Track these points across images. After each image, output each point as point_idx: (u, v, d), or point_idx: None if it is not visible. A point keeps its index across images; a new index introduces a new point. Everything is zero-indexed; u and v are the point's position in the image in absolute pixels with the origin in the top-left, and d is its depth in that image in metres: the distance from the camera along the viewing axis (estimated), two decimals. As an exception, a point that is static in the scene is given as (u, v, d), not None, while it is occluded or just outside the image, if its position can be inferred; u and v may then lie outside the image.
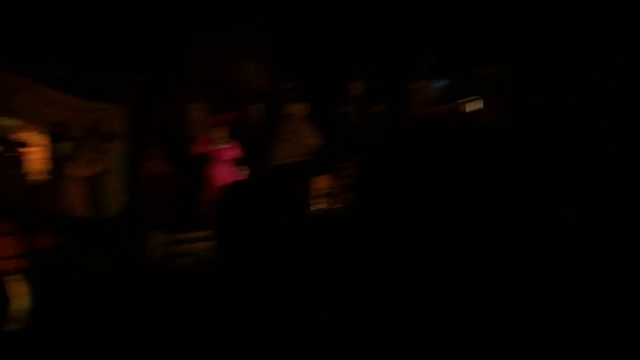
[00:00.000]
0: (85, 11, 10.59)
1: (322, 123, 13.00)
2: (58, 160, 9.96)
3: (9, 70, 9.39)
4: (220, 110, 12.15)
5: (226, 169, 10.56)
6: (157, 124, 12.33)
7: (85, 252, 7.07)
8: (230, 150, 10.61)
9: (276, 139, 12.68)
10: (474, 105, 12.80)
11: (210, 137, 10.56)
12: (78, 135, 10.55)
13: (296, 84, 12.99)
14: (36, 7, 9.96)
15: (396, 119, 13.30)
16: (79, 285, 4.92)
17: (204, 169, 10.92)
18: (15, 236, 7.28)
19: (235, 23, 13.89)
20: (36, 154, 11.10)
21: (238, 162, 10.68)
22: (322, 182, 10.38)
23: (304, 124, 12.69)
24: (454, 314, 2.01)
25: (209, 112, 12.70)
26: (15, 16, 9.63)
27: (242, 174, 10.52)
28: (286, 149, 12.48)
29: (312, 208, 9.75)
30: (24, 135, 11.00)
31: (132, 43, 11.34)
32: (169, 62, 12.36)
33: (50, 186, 9.85)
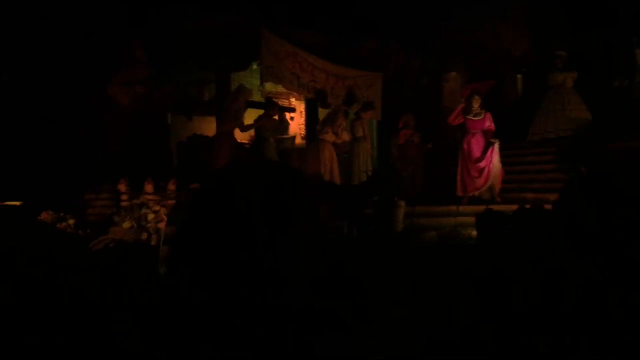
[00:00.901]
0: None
1: (594, 95, 11.49)
2: (314, 126, 10.27)
3: (275, 38, 9.87)
4: (478, 79, 11.40)
5: (480, 140, 9.84)
6: (412, 93, 12.10)
7: (334, 216, 7.08)
8: (484, 122, 9.84)
9: (540, 111, 11.56)
10: None
11: (464, 107, 9.91)
12: (335, 102, 10.79)
13: (565, 51, 11.57)
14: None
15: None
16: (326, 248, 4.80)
17: (458, 140, 10.38)
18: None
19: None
20: (295, 118, 11.73)
21: (492, 134, 9.87)
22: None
23: (572, 96, 11.34)
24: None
25: (465, 81, 12.05)
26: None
27: (495, 146, 9.72)
28: (552, 122, 11.29)
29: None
30: (285, 101, 11.70)
31: (386, 9, 11.16)
32: (425, 28, 11.95)
33: (305, 150, 10.24)
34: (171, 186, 7.65)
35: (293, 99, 12.15)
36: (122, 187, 7.06)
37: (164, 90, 9.31)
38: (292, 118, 12.13)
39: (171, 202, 7.52)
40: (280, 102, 11.45)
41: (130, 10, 8.51)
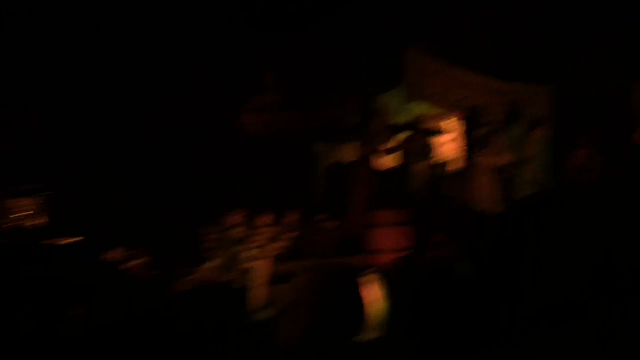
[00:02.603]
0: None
1: None
2: (471, 148, 9.07)
3: (422, 54, 8.89)
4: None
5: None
6: (589, 107, 10.26)
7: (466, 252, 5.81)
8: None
9: None
10: None
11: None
12: (495, 120, 9.45)
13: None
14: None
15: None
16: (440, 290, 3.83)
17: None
18: (403, 227, 6.61)
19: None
20: (449, 141, 10.51)
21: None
22: None
23: None
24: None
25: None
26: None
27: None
28: None
29: None
30: (435, 122, 10.51)
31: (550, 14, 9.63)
32: (607, 31, 10.11)
33: (459, 176, 9.04)
34: (291, 218, 6.97)
35: (446, 119, 10.91)
36: (233, 220, 6.51)
37: (301, 116, 8.80)
38: (447, 142, 10.90)
39: (291, 234, 6.84)
40: (433, 125, 10.36)
41: (263, 33, 8.16)
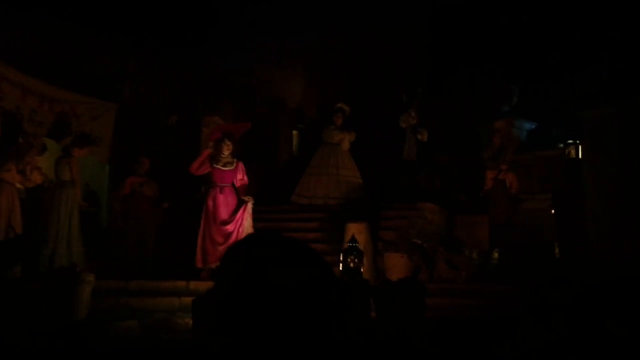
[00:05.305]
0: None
1: (367, 159, 10.11)
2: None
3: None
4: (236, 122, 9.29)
5: (229, 197, 7.65)
6: (154, 132, 9.58)
7: None
8: (235, 173, 7.69)
9: (311, 169, 9.83)
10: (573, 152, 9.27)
11: (212, 154, 7.63)
12: (34, 131, 7.84)
13: (348, 106, 10.17)
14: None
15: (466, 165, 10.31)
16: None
17: (202, 194, 8.07)
18: None
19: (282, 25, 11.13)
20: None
21: (245, 190, 7.76)
22: (352, 231, 7.34)
23: (347, 159, 9.83)
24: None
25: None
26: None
27: (248, 206, 7.59)
28: (323, 184, 9.65)
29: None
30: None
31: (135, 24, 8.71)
32: (184, 57, 9.66)
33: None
34: None
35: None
36: None
37: None
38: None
39: None
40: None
41: None
